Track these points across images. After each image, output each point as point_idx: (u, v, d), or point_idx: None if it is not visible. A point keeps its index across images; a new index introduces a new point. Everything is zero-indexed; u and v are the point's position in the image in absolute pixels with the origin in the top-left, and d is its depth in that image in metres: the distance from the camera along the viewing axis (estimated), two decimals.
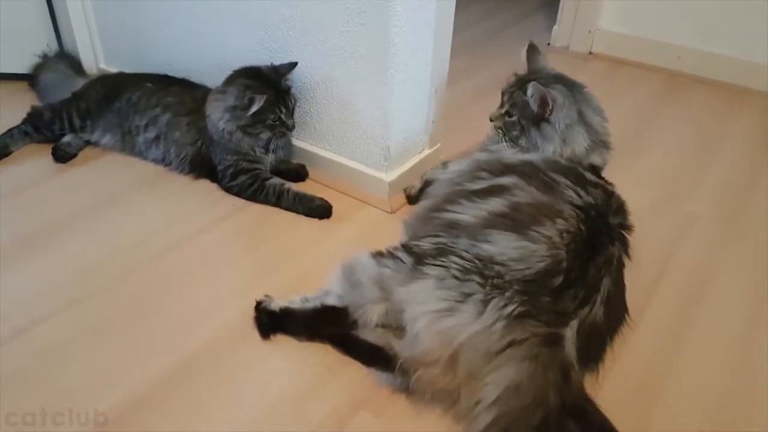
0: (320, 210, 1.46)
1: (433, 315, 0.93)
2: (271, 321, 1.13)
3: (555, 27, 2.48)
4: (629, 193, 1.22)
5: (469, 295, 0.93)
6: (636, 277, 1.18)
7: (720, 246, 1.43)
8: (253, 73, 1.48)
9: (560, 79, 1.33)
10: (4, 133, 1.66)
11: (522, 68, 1.41)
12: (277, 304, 1.15)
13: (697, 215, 1.53)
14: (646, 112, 2.03)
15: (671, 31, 2.24)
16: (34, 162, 1.63)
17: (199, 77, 1.74)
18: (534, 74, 1.35)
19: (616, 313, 1.06)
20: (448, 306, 0.93)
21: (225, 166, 1.51)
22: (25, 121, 1.68)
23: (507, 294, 0.92)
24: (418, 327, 0.94)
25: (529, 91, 1.26)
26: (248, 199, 1.51)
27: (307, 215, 1.46)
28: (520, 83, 1.33)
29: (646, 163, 1.75)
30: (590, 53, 2.42)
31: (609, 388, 1.04)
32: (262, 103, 1.42)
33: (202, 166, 1.57)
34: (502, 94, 1.38)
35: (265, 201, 1.49)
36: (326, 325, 1.10)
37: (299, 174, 1.60)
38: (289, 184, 1.53)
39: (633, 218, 1.15)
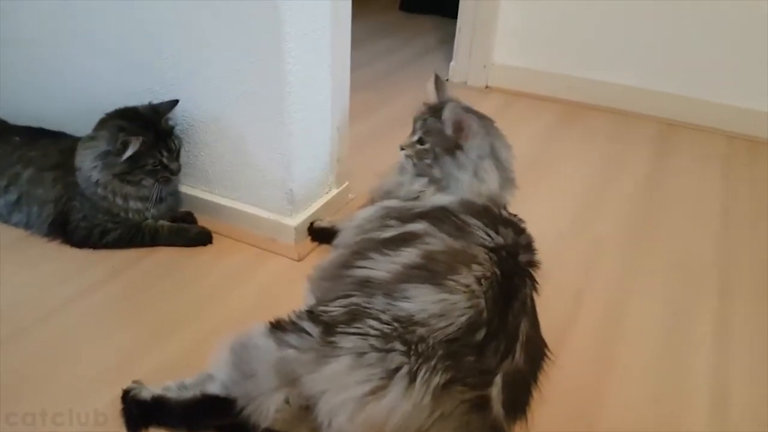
0: (200, 237, 1.41)
1: (356, 403, 0.81)
2: (142, 412, 0.95)
3: (452, 63, 2.53)
4: (537, 222, 1.20)
5: (394, 370, 0.82)
6: (553, 307, 1.15)
7: (631, 266, 1.46)
8: (128, 113, 1.33)
9: (471, 111, 1.30)
10: None
11: (428, 100, 1.36)
12: (149, 391, 0.97)
13: (604, 238, 1.56)
14: (545, 140, 2.08)
15: (559, 62, 2.35)
16: None
17: (74, 126, 1.53)
18: (446, 103, 1.30)
19: (537, 353, 1.01)
20: (372, 388, 0.81)
21: (93, 224, 1.35)
22: None
23: (432, 362, 0.83)
24: (340, 421, 0.81)
25: (446, 113, 1.22)
26: (122, 247, 1.37)
27: (187, 246, 1.40)
28: (434, 110, 1.28)
29: (550, 189, 1.77)
30: (487, 87, 2.48)
31: (541, 427, 1.00)
32: (138, 147, 1.27)
33: (63, 227, 1.37)
34: (414, 122, 1.33)
35: (141, 244, 1.37)
36: (208, 418, 0.94)
37: (185, 221, 1.46)
38: (162, 221, 1.40)
39: (544, 247, 1.13)
